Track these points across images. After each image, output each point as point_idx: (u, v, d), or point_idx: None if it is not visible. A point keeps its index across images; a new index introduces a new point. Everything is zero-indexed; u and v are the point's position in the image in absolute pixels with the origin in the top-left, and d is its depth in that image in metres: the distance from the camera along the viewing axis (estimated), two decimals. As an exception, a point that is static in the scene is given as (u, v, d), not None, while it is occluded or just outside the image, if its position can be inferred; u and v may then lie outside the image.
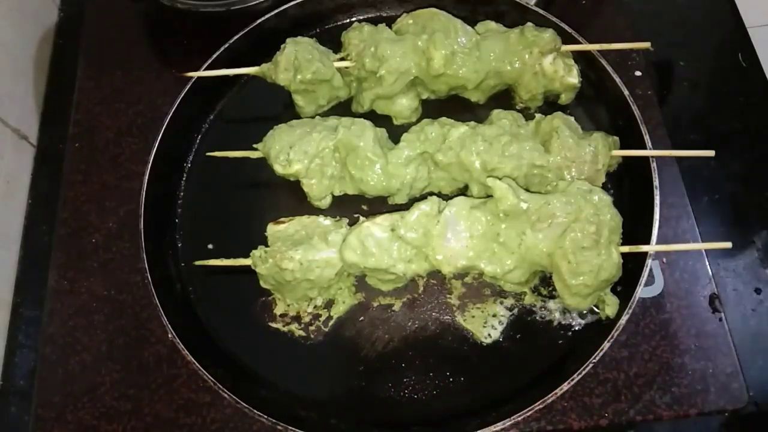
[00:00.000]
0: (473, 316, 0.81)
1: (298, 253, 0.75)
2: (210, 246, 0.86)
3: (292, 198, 0.85)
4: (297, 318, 0.82)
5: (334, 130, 0.81)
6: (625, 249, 0.75)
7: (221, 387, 0.72)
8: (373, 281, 0.80)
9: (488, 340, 0.80)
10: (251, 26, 0.91)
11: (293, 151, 0.80)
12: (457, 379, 0.79)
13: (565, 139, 0.80)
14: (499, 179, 0.76)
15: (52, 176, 0.96)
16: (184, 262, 0.86)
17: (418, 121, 0.86)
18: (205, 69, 0.89)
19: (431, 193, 0.83)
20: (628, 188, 0.86)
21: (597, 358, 0.72)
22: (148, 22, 1.05)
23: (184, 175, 0.92)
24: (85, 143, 0.95)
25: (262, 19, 0.92)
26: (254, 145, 0.84)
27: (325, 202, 0.84)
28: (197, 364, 0.73)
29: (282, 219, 0.80)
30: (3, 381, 0.87)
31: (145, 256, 0.79)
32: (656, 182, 0.80)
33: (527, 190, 0.78)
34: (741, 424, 0.82)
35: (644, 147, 0.82)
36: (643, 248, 0.76)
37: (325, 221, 0.80)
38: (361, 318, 0.82)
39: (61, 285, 0.86)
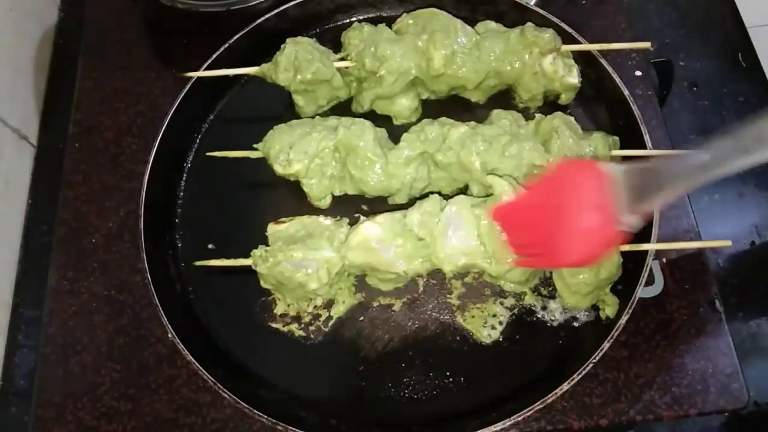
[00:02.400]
0: (473, 316, 0.81)
1: (298, 253, 0.75)
2: (210, 246, 0.86)
3: (292, 198, 0.85)
4: (297, 318, 0.82)
5: (334, 130, 0.81)
6: (625, 247, 0.75)
7: (221, 387, 0.72)
8: (373, 281, 0.80)
9: (488, 340, 0.80)
10: (251, 26, 0.91)
11: (293, 151, 0.80)
12: (457, 379, 0.79)
13: (565, 139, 0.80)
14: (499, 177, 0.76)
15: (52, 176, 0.96)
16: (184, 262, 0.86)
17: (418, 121, 0.86)
18: (205, 69, 0.88)
19: (431, 193, 0.83)
20: (628, 188, 0.86)
21: (597, 358, 0.72)
22: (148, 22, 1.05)
23: (184, 175, 0.92)
24: (85, 143, 0.95)
25: (262, 19, 0.92)
26: (254, 145, 0.84)
27: (325, 202, 0.84)
28: (197, 364, 0.73)
29: (282, 219, 0.80)
30: (3, 381, 0.87)
31: (145, 256, 0.79)
32: (656, 182, 0.80)
33: (527, 190, 0.78)
34: (741, 424, 0.82)
35: (644, 147, 0.82)
36: (643, 246, 0.76)
37: (326, 221, 0.80)
38: (361, 318, 0.82)
39: (61, 285, 0.86)
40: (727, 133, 0.51)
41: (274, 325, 0.82)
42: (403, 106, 0.89)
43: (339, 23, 0.99)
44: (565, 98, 0.89)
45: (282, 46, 0.86)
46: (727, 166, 0.50)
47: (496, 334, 0.80)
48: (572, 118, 0.84)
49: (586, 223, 0.59)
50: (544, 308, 0.81)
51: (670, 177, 0.56)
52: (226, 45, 0.90)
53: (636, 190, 0.58)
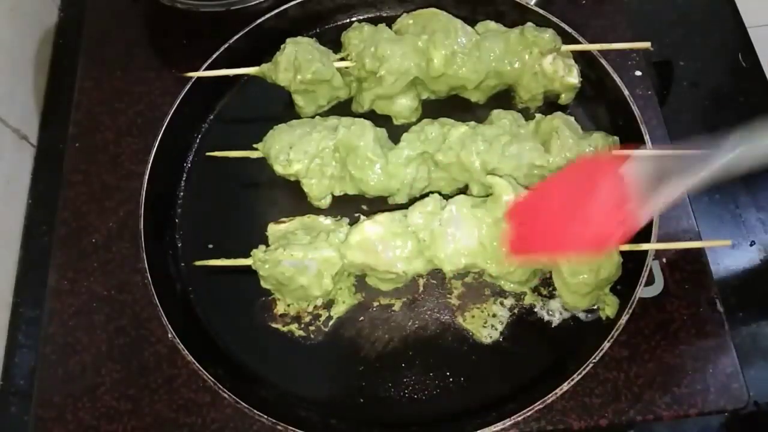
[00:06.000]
0: (473, 316, 0.81)
1: (299, 253, 0.75)
2: (210, 246, 0.86)
3: (292, 198, 0.85)
4: (297, 318, 0.82)
5: (334, 130, 0.81)
6: (625, 247, 0.75)
7: (221, 387, 0.72)
8: (373, 281, 0.80)
9: (488, 340, 0.80)
10: (251, 26, 0.91)
11: (293, 151, 0.80)
12: (457, 379, 0.79)
13: (565, 139, 0.80)
14: (499, 177, 0.76)
15: (52, 176, 0.96)
16: (184, 262, 0.86)
17: (418, 121, 0.86)
18: (205, 69, 0.88)
19: (431, 193, 0.83)
20: (628, 188, 0.86)
21: (597, 358, 0.72)
22: (148, 22, 1.05)
23: (184, 175, 0.92)
24: (85, 143, 0.95)
25: (262, 19, 0.92)
26: (254, 145, 0.84)
27: (325, 202, 0.84)
28: (197, 364, 0.73)
29: (282, 219, 0.81)
30: (3, 381, 0.87)
31: (145, 256, 0.79)
32: (656, 182, 0.80)
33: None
34: (741, 424, 0.82)
35: (644, 147, 0.82)
36: (643, 246, 0.76)
37: (326, 221, 0.80)
38: (361, 318, 0.82)
39: (61, 285, 0.86)
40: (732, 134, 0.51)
41: (274, 325, 0.82)
42: (403, 106, 0.89)
43: (339, 23, 0.99)
44: (565, 98, 0.89)
45: (282, 46, 0.86)
46: (733, 166, 0.50)
47: (496, 334, 0.80)
48: (572, 118, 0.84)
49: (604, 209, 0.59)
50: (544, 308, 0.81)
51: (679, 170, 0.55)
52: (226, 45, 0.90)
53: (650, 182, 0.57)
